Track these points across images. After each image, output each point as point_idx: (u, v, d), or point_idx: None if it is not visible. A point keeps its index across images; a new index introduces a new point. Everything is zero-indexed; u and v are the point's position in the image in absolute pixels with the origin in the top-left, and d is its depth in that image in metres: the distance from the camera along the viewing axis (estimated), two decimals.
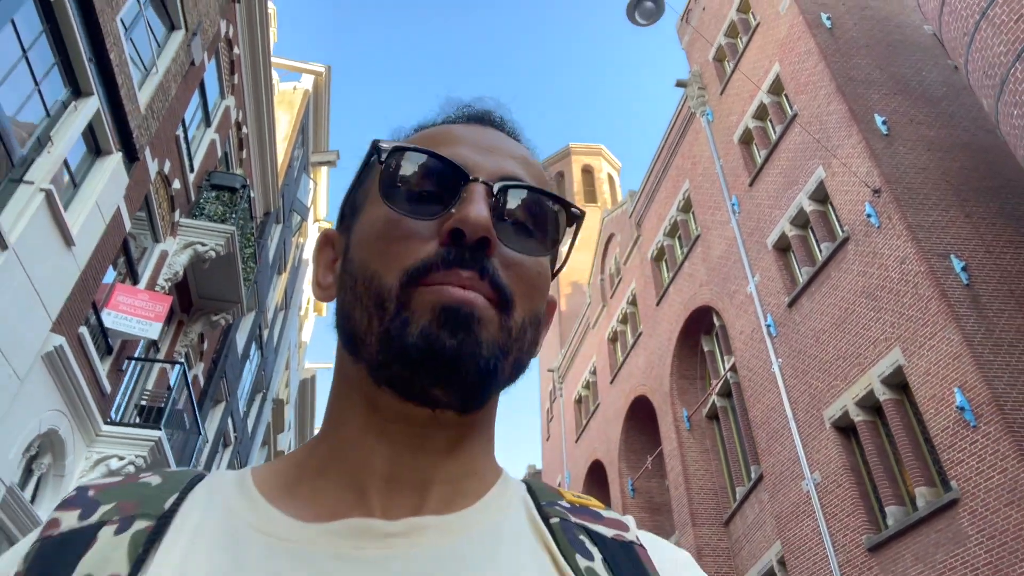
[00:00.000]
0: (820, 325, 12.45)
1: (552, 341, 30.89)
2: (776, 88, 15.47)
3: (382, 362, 0.49)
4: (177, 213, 10.33)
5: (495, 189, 0.52)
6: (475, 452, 0.56)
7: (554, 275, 0.60)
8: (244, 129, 13.50)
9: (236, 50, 12.32)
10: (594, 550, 0.53)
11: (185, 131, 10.36)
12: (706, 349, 18.18)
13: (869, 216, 11.48)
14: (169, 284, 10.04)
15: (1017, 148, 9.18)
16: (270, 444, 22.41)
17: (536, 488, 0.59)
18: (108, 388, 8.65)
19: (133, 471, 8.49)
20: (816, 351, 12.46)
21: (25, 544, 0.48)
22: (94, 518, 0.48)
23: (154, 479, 0.53)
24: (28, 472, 7.63)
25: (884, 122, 12.25)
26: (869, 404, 11.12)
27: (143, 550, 0.46)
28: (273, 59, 15.08)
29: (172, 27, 9.29)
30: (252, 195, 13.54)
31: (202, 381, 13.35)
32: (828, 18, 14.48)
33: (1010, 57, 8.65)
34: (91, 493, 0.51)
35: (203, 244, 10.45)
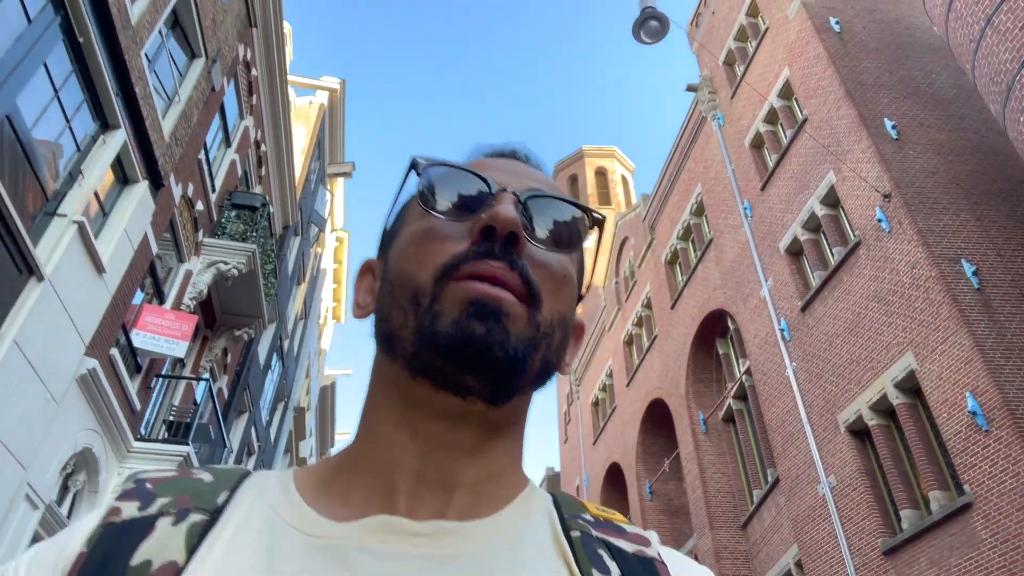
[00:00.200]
0: (833, 329, 12.53)
1: None
2: (786, 92, 15.53)
3: (416, 353, 0.52)
4: (200, 233, 10.66)
5: (522, 198, 0.57)
6: (502, 455, 0.57)
7: (581, 298, 0.63)
8: (263, 147, 13.84)
9: (254, 71, 12.65)
10: (612, 565, 0.54)
11: (207, 153, 10.69)
12: (721, 352, 18.26)
13: (880, 221, 11.55)
14: (194, 303, 10.37)
15: None
16: (292, 452, 22.82)
17: (561, 500, 0.60)
18: (138, 405, 8.99)
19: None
20: (830, 355, 12.54)
21: (87, 527, 0.52)
22: (153, 509, 0.52)
23: (206, 476, 0.57)
24: (64, 489, 7.97)
25: (894, 126, 12.31)
26: (883, 408, 11.20)
27: (197, 540, 0.50)
28: (289, 77, 15.42)
29: (193, 55, 9.61)
30: (271, 211, 13.89)
31: (226, 393, 13.71)
32: (837, 22, 14.53)
33: (1016, 64, 8.71)
34: (148, 486, 0.55)
35: (226, 263, 10.77)
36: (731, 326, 17.24)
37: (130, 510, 0.52)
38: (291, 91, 16.75)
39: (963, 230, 10.85)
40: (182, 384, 11.07)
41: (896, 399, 10.81)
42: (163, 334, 9.16)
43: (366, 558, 0.50)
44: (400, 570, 0.49)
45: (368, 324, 0.61)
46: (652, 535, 0.60)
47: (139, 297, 9.18)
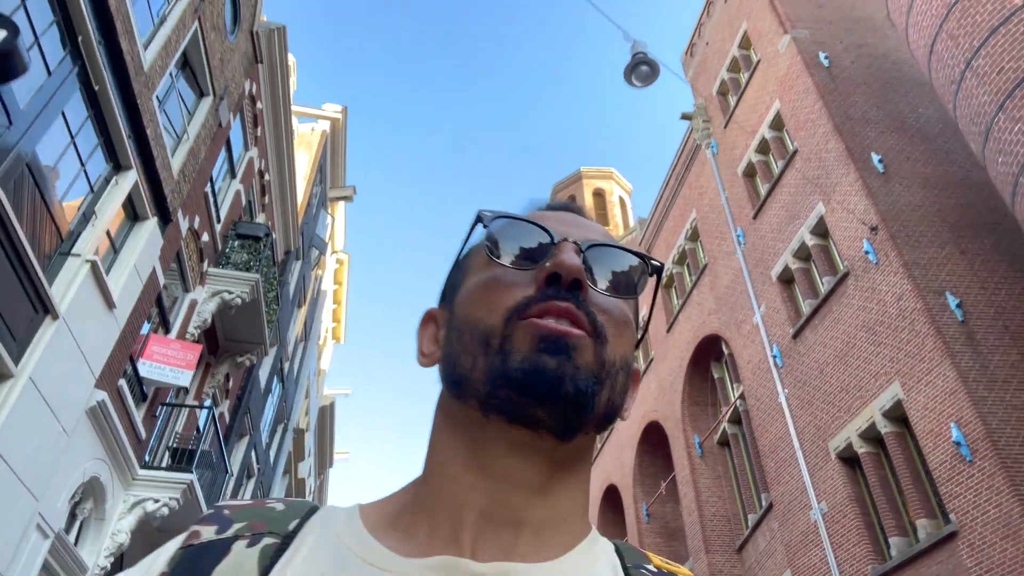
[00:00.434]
0: (823, 357, 12.79)
1: None
2: (777, 124, 15.91)
3: (490, 392, 0.53)
4: (205, 263, 10.95)
5: (582, 247, 0.59)
6: (567, 498, 0.58)
7: (637, 344, 0.63)
8: (266, 176, 14.18)
9: (259, 104, 13.02)
10: None
11: (212, 186, 11.01)
12: (716, 376, 18.49)
13: (867, 252, 11.86)
14: (198, 331, 10.63)
15: (1004, 192, 9.54)
16: (291, 473, 22.95)
17: (624, 550, 0.61)
18: (143, 434, 9.22)
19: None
20: (820, 382, 12.78)
21: (168, 550, 0.56)
22: (229, 532, 0.56)
23: (279, 505, 0.61)
24: (72, 516, 8.18)
25: (881, 160, 12.66)
26: (872, 436, 11.43)
27: (270, 562, 0.53)
28: (293, 108, 15.80)
29: (201, 94, 9.96)
30: (274, 237, 14.19)
31: (227, 418, 13.92)
32: (826, 57, 14.94)
33: (993, 107, 9.05)
34: (226, 512, 0.59)
35: (230, 292, 11.04)
36: (725, 350, 17.49)
37: (208, 533, 0.56)
38: (294, 120, 17.13)
39: (948, 263, 11.15)
40: (186, 410, 11.29)
41: (884, 428, 11.05)
42: (169, 364, 9.41)
43: None
44: None
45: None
46: None
47: (145, 327, 9.44)
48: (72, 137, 6.79)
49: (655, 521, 20.90)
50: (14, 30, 3.91)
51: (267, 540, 0.56)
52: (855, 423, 11.64)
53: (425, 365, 0.64)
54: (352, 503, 0.63)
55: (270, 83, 13.44)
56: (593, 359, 0.54)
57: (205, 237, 10.73)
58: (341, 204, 24.21)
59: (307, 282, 20.83)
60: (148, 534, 9.54)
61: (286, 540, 0.56)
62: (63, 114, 6.57)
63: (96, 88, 6.93)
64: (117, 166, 7.65)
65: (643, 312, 0.72)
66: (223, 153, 11.36)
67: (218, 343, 12.37)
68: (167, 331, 10.06)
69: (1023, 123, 8.60)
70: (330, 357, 31.40)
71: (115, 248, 7.93)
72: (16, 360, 6.03)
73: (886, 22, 15.52)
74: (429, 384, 0.65)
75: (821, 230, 13.60)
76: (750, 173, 16.97)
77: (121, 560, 9.01)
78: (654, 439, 21.00)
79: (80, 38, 6.54)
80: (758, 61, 16.99)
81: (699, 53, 21.06)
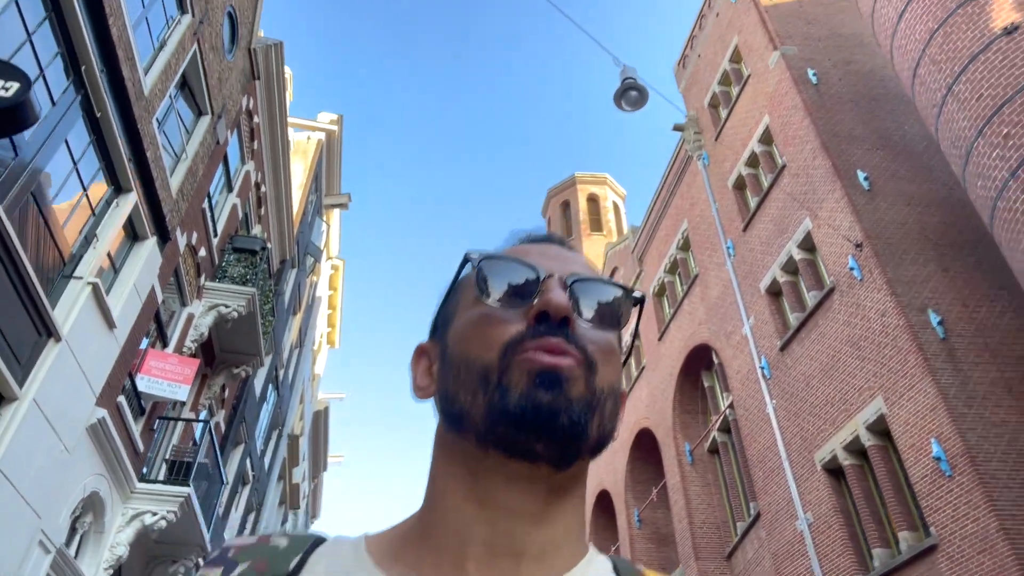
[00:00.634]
0: (810, 370, 13.04)
1: None
2: (766, 139, 16.16)
3: (489, 427, 0.56)
4: (202, 277, 11.12)
5: (568, 282, 0.61)
6: (565, 524, 0.60)
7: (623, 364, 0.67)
8: (263, 188, 14.35)
9: (256, 119, 13.19)
10: None
11: (210, 201, 11.18)
12: (706, 385, 18.73)
13: (852, 269, 12.11)
14: (195, 345, 10.80)
15: (984, 215, 9.79)
16: (286, 479, 23.10)
17: (620, 567, 0.64)
18: (141, 447, 9.39)
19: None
20: (807, 395, 13.03)
21: None
22: (234, 574, 0.59)
23: (282, 541, 0.63)
24: (72, 530, 8.35)
25: (866, 178, 12.91)
26: (856, 449, 11.67)
27: None
28: (289, 119, 15.97)
29: (200, 113, 10.13)
30: (269, 247, 14.36)
31: (223, 427, 14.09)
32: (814, 73, 15.19)
33: (972, 132, 9.30)
34: (231, 553, 0.62)
35: (226, 306, 11.22)
36: (716, 360, 17.73)
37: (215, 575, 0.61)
38: (290, 130, 17.30)
39: (930, 280, 11.41)
40: (183, 422, 11.45)
41: (868, 441, 11.29)
42: (166, 378, 9.59)
43: None
44: None
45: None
46: None
47: (144, 343, 9.61)
48: (75, 163, 6.96)
49: (647, 527, 21.11)
50: (26, 82, 4.09)
51: None
52: (840, 436, 11.88)
53: (421, 398, 0.67)
54: (359, 534, 0.65)
55: (267, 98, 13.62)
56: (585, 389, 0.56)
57: (202, 252, 10.90)
58: (336, 212, 24.38)
59: (302, 289, 21.00)
60: (146, 546, 9.72)
61: None
62: (66, 142, 6.74)
63: (98, 115, 7.11)
64: (118, 189, 7.82)
65: (626, 340, 0.76)
66: (220, 168, 11.54)
67: (214, 355, 12.54)
68: (165, 345, 10.23)
69: (1000, 149, 8.86)
70: (324, 362, 31.56)
71: (115, 268, 8.10)
72: (20, 383, 6.21)
73: (874, 39, 15.80)
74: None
75: (808, 245, 13.86)
76: (740, 186, 17.21)
77: (119, 572, 9.18)
78: (646, 445, 21.23)
79: (83, 67, 6.71)
80: (748, 76, 17.24)
81: (691, 65, 21.31)
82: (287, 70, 14.31)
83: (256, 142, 13.46)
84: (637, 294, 0.65)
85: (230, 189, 12.41)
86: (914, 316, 10.85)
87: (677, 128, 20.33)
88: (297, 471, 24.51)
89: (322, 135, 19.49)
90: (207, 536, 10.44)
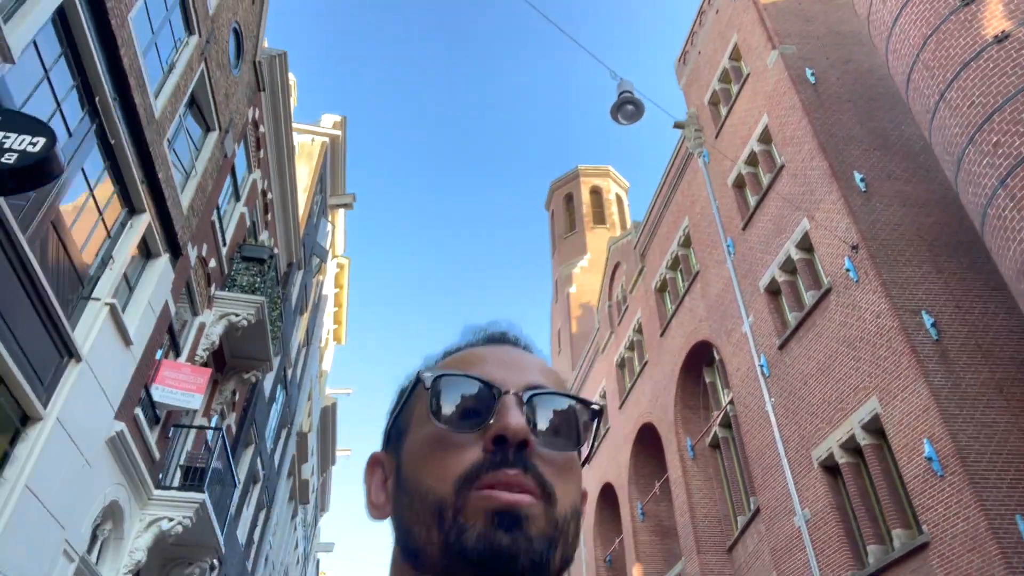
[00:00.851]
0: (807, 369, 13.29)
1: (564, 363, 31.81)
2: (765, 138, 16.32)
3: (445, 567, 0.54)
4: (212, 287, 11.42)
5: (524, 398, 0.59)
6: None
7: (583, 465, 0.65)
8: (269, 195, 14.61)
9: (262, 128, 13.43)
10: None
11: (218, 212, 11.46)
12: (708, 380, 19.00)
13: (848, 270, 12.32)
14: (207, 353, 11.11)
15: (975, 221, 9.98)
16: (295, 475, 23.53)
17: None
18: (157, 455, 9.72)
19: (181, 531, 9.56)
20: (804, 393, 13.29)
21: None
22: None
23: None
24: (93, 538, 8.70)
25: (863, 179, 13.09)
26: (852, 447, 11.94)
27: None
28: (294, 125, 16.21)
29: (208, 129, 10.38)
30: (276, 253, 14.65)
31: (234, 429, 14.45)
32: (812, 73, 15.32)
33: (964, 139, 9.48)
34: None
35: (236, 314, 11.51)
36: (716, 356, 17.99)
37: None
38: (294, 135, 17.54)
39: (925, 282, 11.61)
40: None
41: (863, 440, 11.56)
42: (180, 388, 9.91)
43: None
44: None
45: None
46: None
47: (158, 354, 9.92)
48: (91, 190, 7.24)
49: (649, 520, 21.48)
50: (52, 137, 4.34)
51: None
52: (836, 434, 12.15)
53: (377, 518, 0.64)
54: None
55: (272, 107, 13.85)
56: (545, 524, 0.55)
57: (212, 263, 11.19)
58: (341, 211, 24.64)
59: (309, 290, 21.31)
60: (163, 549, 10.08)
61: None
62: (83, 170, 7.01)
63: (112, 142, 7.37)
64: (132, 210, 8.10)
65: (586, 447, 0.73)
66: (228, 180, 11.80)
67: (225, 361, 12.86)
68: (177, 355, 10.55)
69: (991, 156, 9.04)
70: (331, 358, 31.94)
71: (130, 286, 8.40)
72: (45, 403, 6.52)
73: (871, 39, 15.90)
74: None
75: (806, 245, 14.06)
76: (740, 184, 17.39)
77: (138, 575, 9.55)
78: (648, 440, 21.55)
79: (97, 98, 6.97)
80: (748, 74, 17.37)
81: (691, 61, 21.42)
82: (291, 77, 14.52)
83: (262, 151, 13.71)
84: (595, 406, 0.62)
85: (238, 198, 12.68)
86: (908, 318, 11.07)
87: (678, 125, 20.41)
88: (306, 467, 24.96)
89: (326, 138, 19.71)
90: (221, 537, 10.80)
